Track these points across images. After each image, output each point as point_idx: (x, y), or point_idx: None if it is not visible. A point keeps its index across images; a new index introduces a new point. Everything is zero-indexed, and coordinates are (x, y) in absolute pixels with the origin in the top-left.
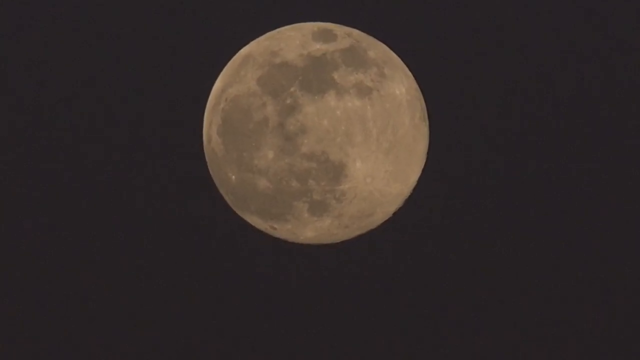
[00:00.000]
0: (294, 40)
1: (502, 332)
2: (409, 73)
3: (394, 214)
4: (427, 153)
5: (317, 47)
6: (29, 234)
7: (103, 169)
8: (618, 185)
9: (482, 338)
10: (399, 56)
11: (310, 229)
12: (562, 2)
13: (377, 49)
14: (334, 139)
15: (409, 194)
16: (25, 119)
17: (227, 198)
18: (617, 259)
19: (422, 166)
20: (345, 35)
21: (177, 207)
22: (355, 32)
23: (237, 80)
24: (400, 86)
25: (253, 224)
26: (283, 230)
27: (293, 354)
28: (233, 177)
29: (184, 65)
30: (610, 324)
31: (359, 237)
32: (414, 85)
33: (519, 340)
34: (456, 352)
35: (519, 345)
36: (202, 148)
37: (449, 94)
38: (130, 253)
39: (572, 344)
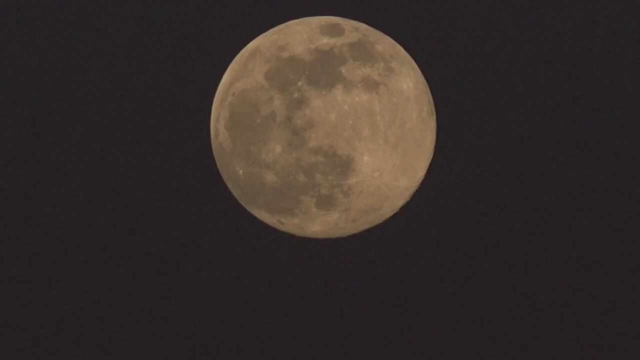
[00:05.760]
0: (301, 35)
1: (506, 326)
2: (416, 67)
3: (402, 208)
4: (435, 147)
5: (325, 41)
6: (32, 232)
7: (110, 165)
8: (623, 182)
9: (487, 331)
10: (406, 50)
11: (317, 223)
12: None
13: (384, 43)
14: (341, 133)
15: (416, 188)
16: (34, 111)
17: (234, 192)
18: (621, 260)
19: (430, 160)
20: (353, 30)
21: (184, 202)
22: (363, 26)
23: (244, 75)
24: (408, 80)
25: (260, 218)
26: (290, 225)
27: (299, 348)
28: (240, 171)
29: (191, 59)
30: (610, 325)
31: (367, 231)
32: (421, 79)
33: (518, 335)
34: (460, 346)
35: (520, 340)
36: (210, 142)
37: (456, 88)
38: (137, 247)
39: (573, 344)
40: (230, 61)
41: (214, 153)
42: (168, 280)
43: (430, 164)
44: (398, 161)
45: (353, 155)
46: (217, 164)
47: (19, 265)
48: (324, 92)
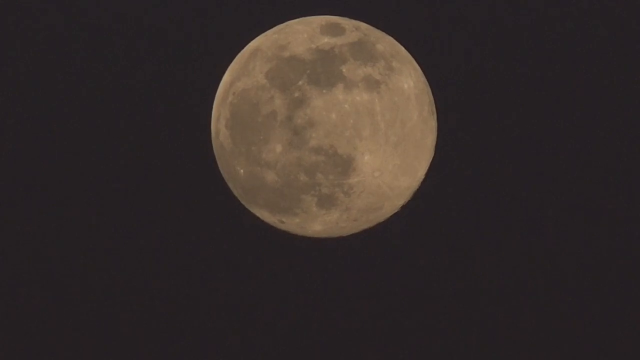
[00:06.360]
0: (302, 34)
1: (507, 326)
2: (417, 66)
3: (402, 207)
4: (435, 147)
5: (325, 41)
6: (32, 232)
7: (110, 164)
8: (624, 183)
9: (487, 331)
10: (407, 49)
11: (318, 223)
12: None
13: (385, 43)
14: (342, 132)
15: (417, 188)
16: (33, 112)
17: (235, 192)
18: (622, 260)
19: (430, 160)
20: (354, 29)
21: (185, 201)
22: (364, 26)
23: (245, 74)
24: (409, 79)
25: (261, 218)
26: (291, 224)
27: (300, 348)
28: (241, 170)
29: (192, 58)
30: (610, 324)
31: (367, 231)
32: (422, 78)
33: (518, 335)
34: (460, 346)
35: (520, 340)
36: (210, 142)
37: (457, 87)
38: (138, 247)
39: (574, 344)
40: (231, 61)
41: (214, 153)
42: (168, 280)
43: (431, 164)
44: (399, 161)
45: (354, 154)
46: (218, 163)
47: (19, 266)
48: (324, 91)
